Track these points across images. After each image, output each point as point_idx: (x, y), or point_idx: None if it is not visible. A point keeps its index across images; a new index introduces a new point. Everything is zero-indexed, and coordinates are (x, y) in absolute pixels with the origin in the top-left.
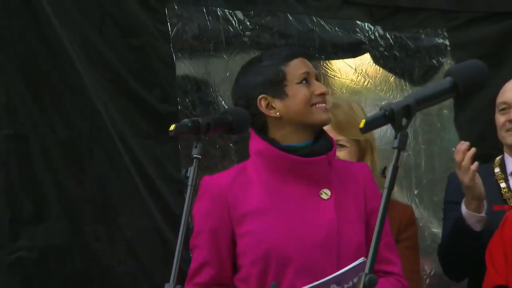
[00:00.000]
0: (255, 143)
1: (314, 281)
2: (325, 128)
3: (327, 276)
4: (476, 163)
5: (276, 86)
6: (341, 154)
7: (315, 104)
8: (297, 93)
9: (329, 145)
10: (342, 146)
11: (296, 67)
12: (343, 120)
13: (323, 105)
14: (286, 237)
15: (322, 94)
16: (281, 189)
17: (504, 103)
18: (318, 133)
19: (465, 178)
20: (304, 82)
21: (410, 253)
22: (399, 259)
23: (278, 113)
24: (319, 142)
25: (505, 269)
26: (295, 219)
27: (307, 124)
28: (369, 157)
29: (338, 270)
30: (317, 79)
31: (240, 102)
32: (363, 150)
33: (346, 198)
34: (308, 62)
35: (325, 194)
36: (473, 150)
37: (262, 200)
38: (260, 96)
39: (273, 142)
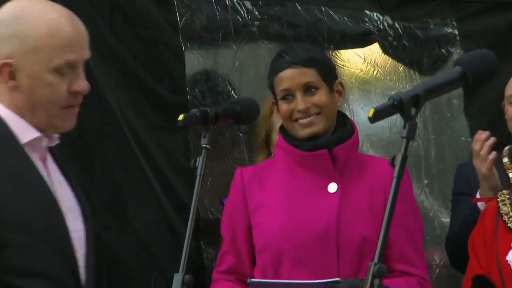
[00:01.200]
0: (279, 137)
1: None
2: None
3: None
4: (494, 153)
5: (273, 96)
6: (315, 98)
7: (296, 120)
8: (280, 108)
9: (343, 138)
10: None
11: (279, 83)
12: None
13: (304, 120)
14: (283, 229)
15: (301, 111)
16: (293, 182)
17: None
18: (339, 124)
19: (483, 168)
20: (284, 99)
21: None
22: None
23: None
24: (331, 136)
25: (486, 259)
26: (298, 212)
27: (295, 138)
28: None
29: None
30: (309, 87)
31: None
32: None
33: (358, 192)
34: (294, 73)
35: (332, 187)
36: (492, 139)
37: (274, 193)
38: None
39: (287, 137)
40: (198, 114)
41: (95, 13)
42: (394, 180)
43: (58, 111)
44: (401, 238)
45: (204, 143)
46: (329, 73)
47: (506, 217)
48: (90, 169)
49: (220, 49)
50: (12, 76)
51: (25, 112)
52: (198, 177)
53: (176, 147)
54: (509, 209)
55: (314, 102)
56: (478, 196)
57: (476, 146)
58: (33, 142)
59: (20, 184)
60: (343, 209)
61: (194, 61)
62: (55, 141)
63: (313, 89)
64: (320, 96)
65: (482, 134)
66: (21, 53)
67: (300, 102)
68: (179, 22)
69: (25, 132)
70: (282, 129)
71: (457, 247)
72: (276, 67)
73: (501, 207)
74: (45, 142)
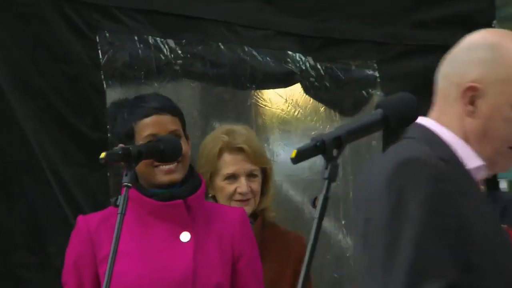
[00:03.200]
0: None
1: None
2: (238, 159)
3: None
4: None
5: (129, 142)
6: (254, 185)
7: (157, 166)
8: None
9: (195, 188)
10: (255, 176)
11: (143, 128)
12: (256, 150)
13: (166, 167)
14: (141, 279)
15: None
16: (144, 232)
17: None
18: (188, 174)
19: None
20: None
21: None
22: None
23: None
24: (183, 186)
25: None
26: (153, 261)
27: (153, 184)
28: (270, 183)
29: None
30: (175, 135)
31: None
32: (267, 177)
33: (209, 240)
34: (162, 119)
35: (185, 237)
36: None
37: (125, 242)
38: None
39: (138, 187)
40: (120, 152)
41: (17, 46)
42: (315, 221)
43: (505, 149)
44: (251, 283)
45: (126, 181)
46: (184, 123)
47: None
48: (10, 206)
49: (142, 86)
50: (472, 101)
51: (472, 140)
52: (119, 216)
53: (95, 184)
54: None
55: None
56: None
57: None
58: (474, 171)
59: (478, 209)
60: (197, 258)
61: (116, 98)
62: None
63: (177, 137)
64: (184, 145)
65: None
66: (489, 80)
67: None
68: (101, 59)
69: (470, 159)
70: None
71: None
72: (140, 112)
73: None
74: (482, 174)
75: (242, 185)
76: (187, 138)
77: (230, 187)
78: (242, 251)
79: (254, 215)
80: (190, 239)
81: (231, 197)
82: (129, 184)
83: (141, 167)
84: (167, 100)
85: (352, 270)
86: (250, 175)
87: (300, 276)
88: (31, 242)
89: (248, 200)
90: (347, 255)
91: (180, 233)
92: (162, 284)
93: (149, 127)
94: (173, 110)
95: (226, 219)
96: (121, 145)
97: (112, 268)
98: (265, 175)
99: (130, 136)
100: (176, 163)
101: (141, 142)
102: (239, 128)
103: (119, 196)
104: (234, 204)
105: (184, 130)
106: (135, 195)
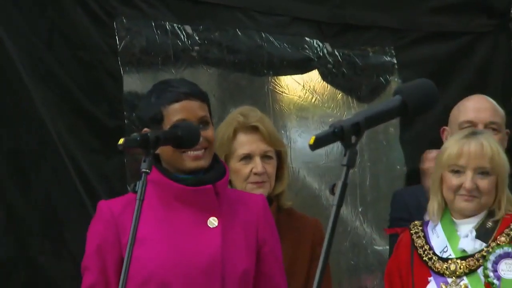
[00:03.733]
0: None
1: None
2: (254, 138)
3: None
4: None
5: (156, 126)
6: (269, 167)
7: (185, 151)
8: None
9: (220, 174)
10: (269, 157)
11: (173, 113)
12: (270, 131)
13: (194, 153)
14: (167, 263)
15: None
16: (170, 217)
17: (468, 122)
18: (213, 161)
19: None
20: None
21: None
22: None
23: (157, 151)
24: (210, 172)
25: None
26: (180, 246)
27: (180, 169)
28: (285, 168)
29: None
30: (204, 121)
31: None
32: (282, 162)
33: (235, 226)
34: (192, 105)
35: (213, 222)
36: None
37: (150, 227)
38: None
39: (164, 171)
40: (138, 138)
41: (34, 33)
42: (334, 208)
43: None
44: (274, 270)
45: (144, 167)
46: (210, 109)
47: (420, 250)
48: (27, 192)
49: (159, 73)
50: None
51: None
52: (138, 202)
53: (112, 171)
54: (423, 241)
55: (207, 136)
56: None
57: (425, 165)
58: None
59: None
60: (224, 244)
61: (132, 84)
62: None
63: (206, 124)
64: (211, 131)
65: (430, 153)
66: None
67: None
68: (118, 45)
69: None
70: (157, 162)
71: None
72: (170, 96)
73: (415, 239)
74: None
75: (257, 164)
76: (212, 124)
77: (245, 168)
78: (266, 238)
79: (269, 200)
80: (218, 224)
81: (246, 178)
82: (147, 170)
83: (168, 152)
84: (195, 85)
85: (369, 257)
86: (264, 157)
87: (318, 262)
88: (48, 229)
89: (263, 182)
90: (364, 242)
91: (208, 218)
92: (189, 270)
93: (178, 112)
94: (202, 95)
95: (249, 206)
96: (145, 129)
97: (131, 255)
98: (280, 159)
99: (158, 120)
100: (203, 150)
101: (169, 127)
102: (253, 109)
103: (138, 182)
104: (249, 186)
105: (210, 116)
106: (161, 180)
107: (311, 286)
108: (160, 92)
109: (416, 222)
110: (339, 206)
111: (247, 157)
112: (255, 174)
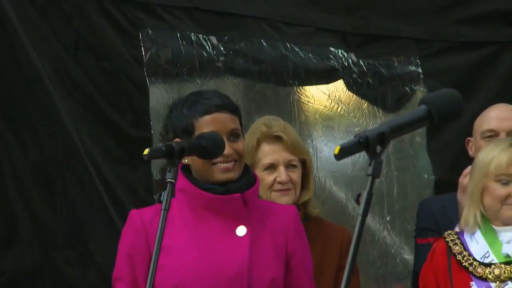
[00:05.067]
0: (179, 180)
1: None
2: (277, 148)
3: None
4: None
5: (187, 137)
6: (294, 175)
7: (215, 163)
8: None
9: (250, 184)
10: (294, 166)
11: (204, 125)
12: (294, 140)
13: (224, 165)
14: (196, 271)
15: (226, 155)
16: (199, 225)
17: (491, 130)
18: (243, 171)
19: None
20: None
21: (353, 279)
22: None
23: (187, 161)
24: (239, 181)
25: None
26: (208, 254)
27: (209, 181)
28: (310, 176)
29: None
30: (234, 134)
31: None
32: (307, 170)
33: (264, 236)
34: (223, 118)
35: (241, 231)
36: None
37: (180, 236)
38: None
39: (194, 180)
40: (163, 149)
41: (60, 44)
42: (359, 218)
43: None
44: (303, 280)
45: (169, 177)
46: (241, 121)
47: (459, 256)
48: (52, 202)
49: (185, 83)
50: None
51: None
52: (163, 212)
53: (137, 181)
54: (461, 248)
55: (237, 149)
56: (457, 229)
57: (465, 180)
58: None
59: None
60: (253, 252)
61: (158, 95)
62: None
63: (236, 136)
64: (241, 144)
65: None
66: None
67: (226, 147)
68: (144, 56)
69: None
70: (184, 171)
71: None
72: (201, 108)
73: (452, 246)
74: None
75: (281, 173)
76: (243, 136)
77: (269, 177)
78: (295, 248)
79: None
80: (246, 233)
81: (270, 187)
82: (172, 181)
83: (198, 163)
84: (227, 97)
85: (398, 266)
86: (289, 166)
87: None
88: (73, 239)
89: (288, 190)
90: (392, 251)
91: (236, 227)
92: (217, 278)
93: (209, 124)
94: (233, 108)
95: (279, 216)
96: (176, 139)
97: (156, 264)
98: (305, 168)
99: (189, 131)
100: (233, 162)
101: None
102: (276, 118)
103: (163, 192)
104: (274, 194)
105: (241, 128)
106: (190, 189)
107: None
108: (192, 104)
109: (450, 231)
110: (364, 215)
111: (271, 167)
112: (279, 183)
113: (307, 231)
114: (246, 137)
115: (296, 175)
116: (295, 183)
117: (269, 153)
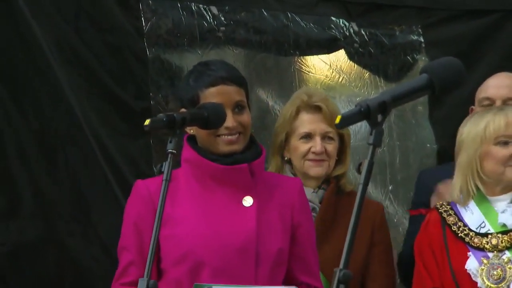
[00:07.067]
0: (185, 150)
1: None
2: (316, 118)
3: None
4: None
5: (192, 107)
6: (329, 147)
7: (219, 135)
8: None
9: (257, 155)
10: (331, 138)
11: (209, 96)
12: (334, 112)
13: (229, 138)
14: (202, 241)
15: (229, 128)
16: (205, 195)
17: (487, 98)
18: (250, 143)
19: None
20: None
21: (385, 257)
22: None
23: (192, 131)
24: (246, 152)
25: (437, 271)
26: (215, 224)
27: (214, 152)
28: (348, 151)
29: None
30: (239, 106)
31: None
32: (344, 144)
33: (270, 207)
34: (228, 90)
35: (248, 201)
36: None
37: (186, 205)
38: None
39: (200, 151)
40: (164, 119)
41: (60, 16)
42: (360, 187)
43: None
44: (308, 252)
45: (170, 148)
46: (248, 93)
47: (455, 227)
48: (55, 174)
49: (185, 54)
50: None
51: None
52: (164, 182)
53: (138, 152)
54: (456, 219)
55: (242, 121)
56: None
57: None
58: None
59: None
60: (260, 222)
61: (159, 66)
62: None
63: (241, 108)
64: (247, 116)
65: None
66: None
67: (230, 119)
68: (144, 27)
69: None
70: (189, 141)
71: (409, 268)
72: (207, 80)
73: (447, 217)
74: None
75: (316, 144)
76: (249, 108)
77: (304, 146)
78: (301, 220)
79: (327, 181)
80: (253, 203)
81: (304, 156)
82: (173, 151)
83: (203, 135)
84: (234, 69)
85: (400, 235)
86: (325, 137)
87: (378, 248)
88: (75, 211)
89: (322, 161)
90: (395, 220)
91: (243, 197)
92: (224, 248)
93: (215, 96)
94: (239, 80)
95: (285, 188)
96: (183, 109)
97: (158, 234)
98: (343, 142)
99: (195, 102)
100: (237, 134)
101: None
102: (319, 90)
103: (164, 163)
104: (307, 164)
105: (247, 100)
106: (197, 159)
107: (370, 270)
108: (199, 75)
109: (443, 202)
110: (365, 184)
111: (308, 136)
112: (313, 152)
113: (340, 205)
114: (286, 105)
115: (331, 147)
116: (330, 155)
117: (307, 122)
